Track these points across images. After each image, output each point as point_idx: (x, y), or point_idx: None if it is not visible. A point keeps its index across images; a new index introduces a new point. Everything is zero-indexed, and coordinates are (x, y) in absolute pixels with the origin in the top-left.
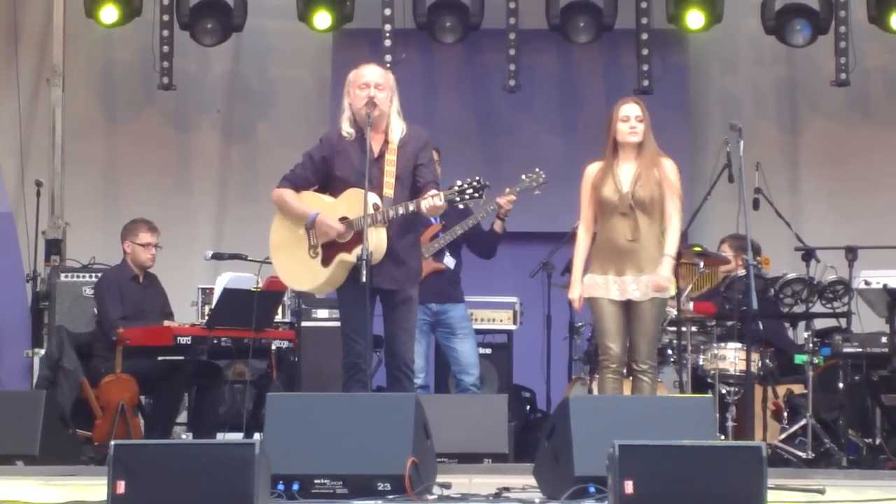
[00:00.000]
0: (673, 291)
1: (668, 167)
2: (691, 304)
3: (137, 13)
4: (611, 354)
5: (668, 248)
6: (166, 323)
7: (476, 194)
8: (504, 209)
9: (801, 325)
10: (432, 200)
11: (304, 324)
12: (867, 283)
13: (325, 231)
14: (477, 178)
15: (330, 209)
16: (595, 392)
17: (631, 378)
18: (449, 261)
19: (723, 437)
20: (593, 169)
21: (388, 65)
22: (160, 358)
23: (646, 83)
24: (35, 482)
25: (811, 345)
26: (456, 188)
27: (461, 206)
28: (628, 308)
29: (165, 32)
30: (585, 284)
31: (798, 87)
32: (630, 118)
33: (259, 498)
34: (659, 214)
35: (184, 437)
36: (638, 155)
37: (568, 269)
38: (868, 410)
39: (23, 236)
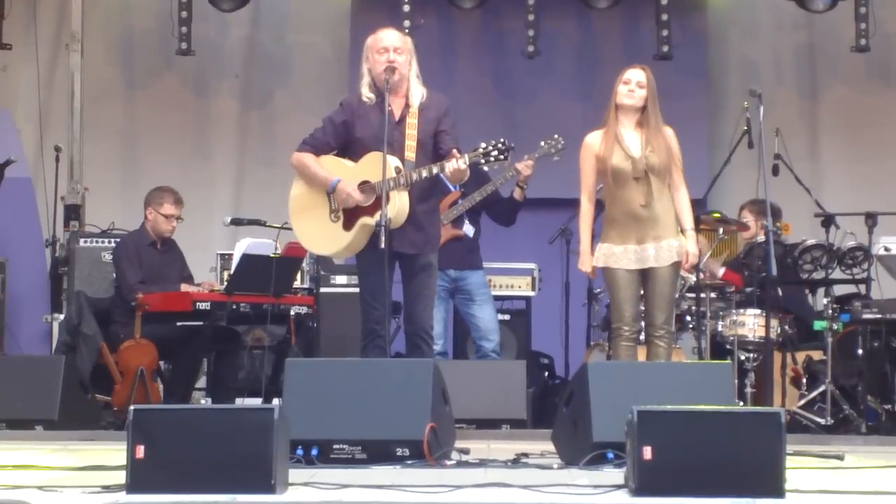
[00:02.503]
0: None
1: (671, 136)
2: (723, 270)
3: None
4: (624, 322)
5: (689, 223)
6: (184, 287)
7: (501, 156)
8: (523, 176)
9: (821, 291)
10: (456, 163)
11: (322, 290)
12: (887, 249)
13: (345, 199)
14: (502, 139)
15: (351, 173)
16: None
17: (646, 344)
18: (468, 228)
19: (741, 403)
20: (594, 138)
21: (407, 30)
22: (179, 323)
23: (665, 49)
24: (54, 447)
25: (830, 311)
26: (480, 150)
27: (485, 169)
28: (643, 275)
29: None
30: (602, 254)
31: (818, 52)
32: (631, 81)
33: (278, 463)
34: (667, 179)
35: (203, 402)
36: (640, 123)
37: None
38: (887, 377)
39: (42, 202)
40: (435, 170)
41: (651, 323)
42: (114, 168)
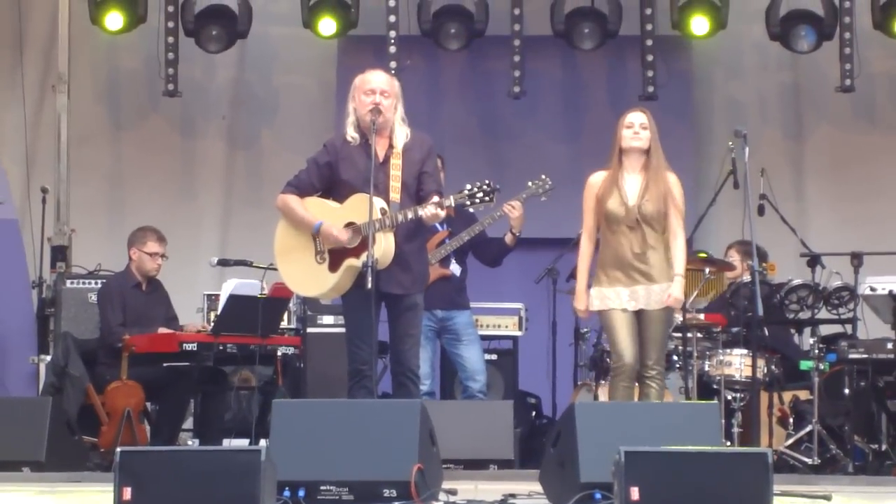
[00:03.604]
0: None
1: (674, 183)
2: (702, 317)
3: (142, 20)
4: (624, 363)
5: (679, 268)
6: (162, 331)
7: (486, 198)
8: (515, 219)
9: (807, 331)
10: (433, 208)
11: (309, 330)
12: (872, 289)
13: (331, 241)
14: (487, 181)
15: (336, 215)
16: (601, 398)
17: (638, 384)
18: (455, 268)
19: (728, 443)
20: (597, 178)
21: (393, 71)
22: (166, 364)
23: (650, 89)
24: (41, 489)
25: (817, 351)
26: (466, 192)
27: (471, 210)
28: (638, 315)
29: (170, 39)
30: (594, 297)
31: (803, 93)
32: (634, 125)
33: None
34: (663, 226)
35: (190, 443)
36: (644, 166)
37: (573, 276)
38: (874, 416)
39: (28, 243)
40: (420, 212)
41: (643, 364)
42: (100, 209)
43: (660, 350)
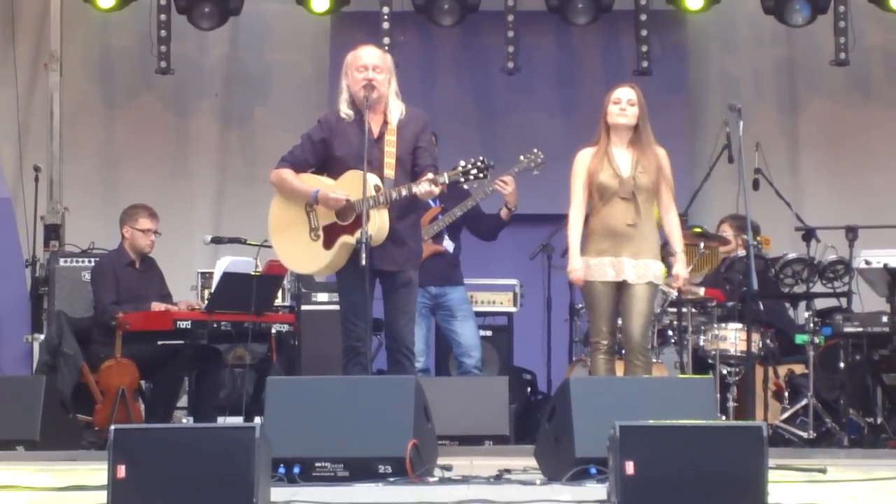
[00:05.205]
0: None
1: (663, 157)
2: (702, 290)
3: None
4: (602, 336)
5: (678, 245)
6: (155, 305)
7: (481, 174)
8: (509, 193)
9: (802, 305)
10: (427, 185)
11: (304, 307)
12: (867, 262)
13: (333, 204)
14: (481, 158)
15: (330, 191)
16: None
17: (624, 361)
18: (448, 244)
19: (724, 417)
20: (586, 154)
21: (386, 47)
22: (160, 342)
23: (645, 64)
24: (35, 467)
25: (812, 325)
26: (460, 168)
27: (465, 187)
28: (621, 289)
29: (163, 17)
30: (581, 267)
31: (797, 66)
32: (622, 100)
33: (260, 481)
34: (654, 198)
35: (184, 421)
36: (632, 141)
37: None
38: (869, 390)
39: (21, 222)
40: (414, 189)
41: (627, 340)
42: (93, 188)
43: (645, 326)
